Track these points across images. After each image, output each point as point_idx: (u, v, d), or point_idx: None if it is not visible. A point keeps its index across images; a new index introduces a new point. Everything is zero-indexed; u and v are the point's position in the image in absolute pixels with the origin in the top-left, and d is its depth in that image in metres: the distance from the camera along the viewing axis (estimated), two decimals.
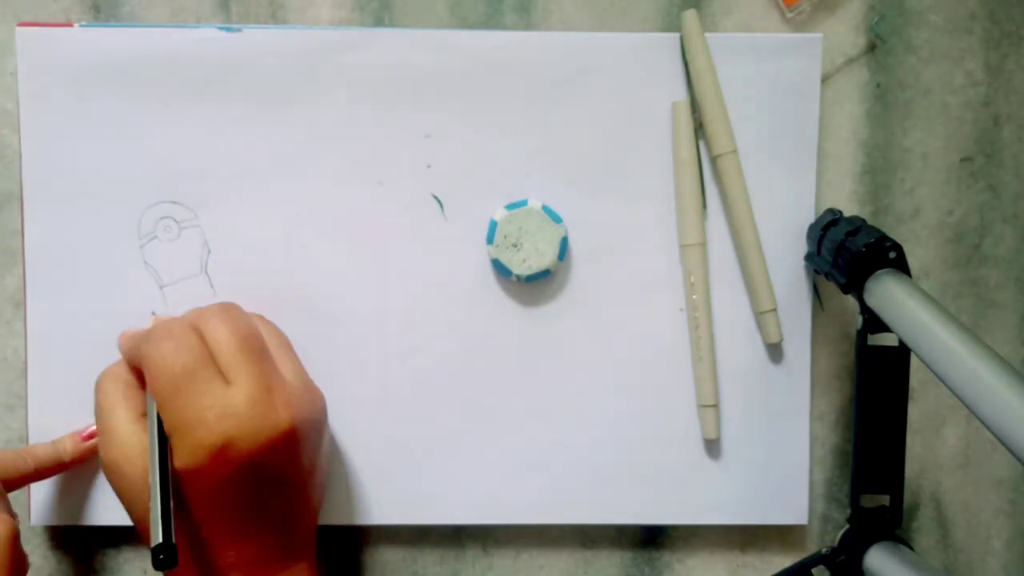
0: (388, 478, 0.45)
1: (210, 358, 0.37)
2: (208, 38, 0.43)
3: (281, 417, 0.37)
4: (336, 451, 0.44)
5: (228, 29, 0.43)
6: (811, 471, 0.46)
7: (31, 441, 0.44)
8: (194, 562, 0.38)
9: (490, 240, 0.43)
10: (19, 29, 0.43)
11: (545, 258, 0.43)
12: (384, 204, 0.44)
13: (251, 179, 0.44)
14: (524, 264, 0.43)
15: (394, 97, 0.44)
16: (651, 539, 0.47)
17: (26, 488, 0.44)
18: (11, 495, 0.45)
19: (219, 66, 0.43)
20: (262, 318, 0.42)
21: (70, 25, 0.43)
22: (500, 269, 0.43)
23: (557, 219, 0.43)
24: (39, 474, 0.42)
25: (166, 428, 0.36)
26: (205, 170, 0.44)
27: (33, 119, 0.43)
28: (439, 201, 0.44)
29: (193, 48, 0.43)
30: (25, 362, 0.44)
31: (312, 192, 0.44)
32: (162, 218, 0.44)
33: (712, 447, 0.45)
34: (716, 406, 0.44)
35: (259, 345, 0.39)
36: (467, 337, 0.45)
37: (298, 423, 0.37)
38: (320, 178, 0.44)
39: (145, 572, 0.45)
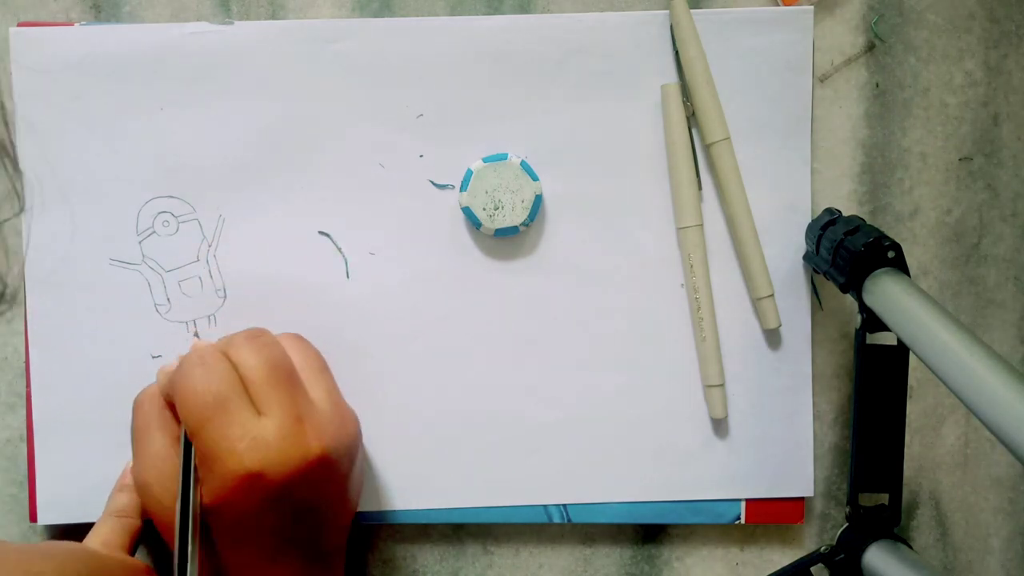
0: (387, 464, 0.45)
1: (242, 387, 0.37)
2: (200, 32, 0.43)
3: (312, 447, 0.37)
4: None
5: (220, 22, 0.43)
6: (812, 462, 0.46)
7: (36, 442, 0.44)
8: None
9: (464, 189, 0.43)
10: (12, 29, 0.43)
11: (516, 214, 0.43)
12: (383, 189, 0.44)
13: (248, 171, 0.44)
14: (494, 218, 0.43)
15: (388, 84, 0.44)
16: (651, 537, 0.47)
17: (30, 487, 0.44)
18: (13, 493, 0.45)
19: (212, 60, 0.44)
20: (298, 337, 0.42)
21: (71, 25, 0.43)
22: (471, 218, 0.43)
23: (534, 176, 0.43)
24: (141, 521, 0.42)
25: (196, 456, 0.36)
26: (202, 164, 0.44)
27: (28, 118, 0.43)
28: (437, 187, 0.44)
29: (185, 43, 0.43)
30: (26, 361, 0.44)
31: (310, 180, 0.44)
32: (160, 213, 0.44)
33: (719, 425, 0.45)
34: (722, 386, 0.45)
35: (289, 373, 0.38)
36: (467, 321, 0.45)
37: (329, 451, 0.37)
38: (318, 166, 0.44)
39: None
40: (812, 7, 0.44)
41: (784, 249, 0.45)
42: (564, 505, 0.45)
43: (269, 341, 0.39)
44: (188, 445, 0.37)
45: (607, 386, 0.45)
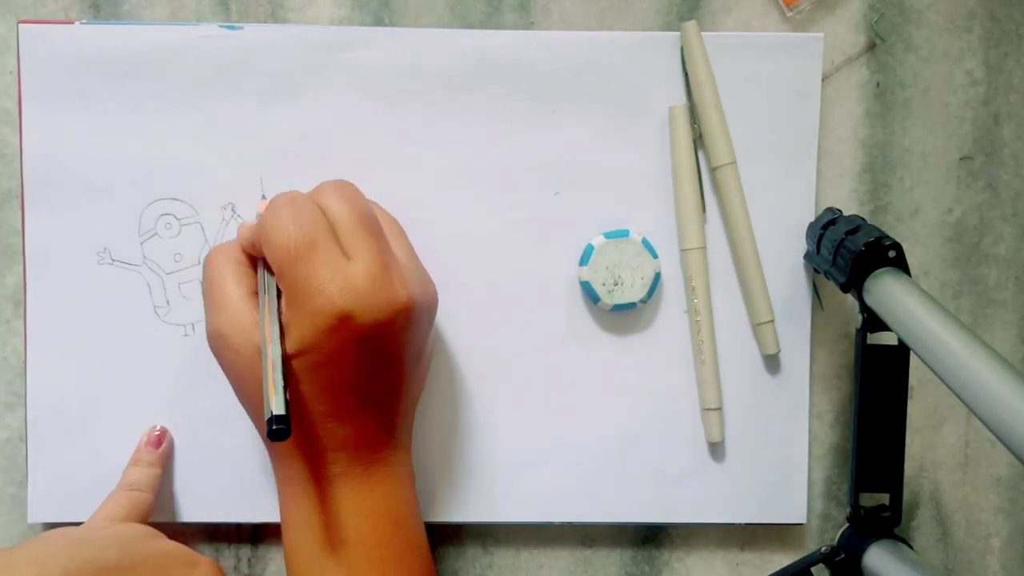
0: None
1: (331, 230, 0.37)
2: (209, 35, 0.43)
3: (399, 294, 0.37)
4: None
5: (229, 27, 0.43)
6: (810, 470, 0.46)
7: (30, 440, 0.44)
8: (299, 443, 0.38)
9: (584, 263, 0.43)
10: (21, 26, 0.43)
11: (635, 290, 0.43)
12: (386, 199, 0.44)
13: (252, 176, 0.44)
14: (613, 293, 0.43)
15: (394, 95, 0.44)
16: (651, 537, 0.47)
17: (24, 484, 0.44)
18: (12, 493, 0.45)
19: (220, 63, 0.43)
20: (376, 204, 0.42)
21: (71, 23, 0.43)
22: (589, 293, 0.44)
23: (654, 254, 0.43)
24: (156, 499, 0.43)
25: (284, 298, 0.36)
26: (206, 167, 0.44)
27: (34, 116, 0.43)
28: (438, 201, 0.44)
29: (194, 45, 0.43)
30: (25, 361, 0.44)
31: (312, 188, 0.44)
32: (163, 215, 0.44)
33: (715, 448, 0.45)
34: (720, 409, 0.45)
35: (376, 223, 0.38)
36: (469, 336, 0.45)
37: (415, 302, 0.37)
38: (320, 175, 0.44)
39: None
40: (821, 35, 0.44)
41: (786, 273, 0.45)
42: None
43: (357, 192, 0.39)
44: (278, 291, 0.36)
45: (609, 407, 0.45)
